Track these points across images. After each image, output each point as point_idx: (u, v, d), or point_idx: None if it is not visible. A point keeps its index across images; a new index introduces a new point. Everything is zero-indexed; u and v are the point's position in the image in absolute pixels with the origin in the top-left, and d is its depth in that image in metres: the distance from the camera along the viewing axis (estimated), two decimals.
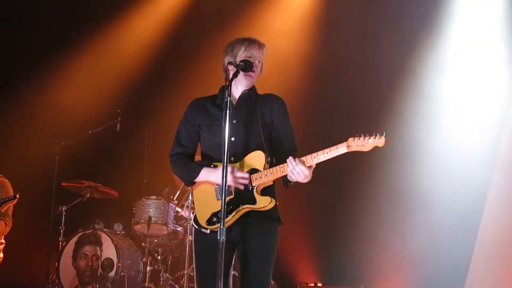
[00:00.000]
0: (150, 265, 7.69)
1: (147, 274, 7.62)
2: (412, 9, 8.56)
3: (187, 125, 4.70)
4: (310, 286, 6.84)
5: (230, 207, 4.48)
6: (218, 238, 4.06)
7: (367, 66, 8.73)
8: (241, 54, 4.63)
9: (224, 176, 4.13)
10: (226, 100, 4.24)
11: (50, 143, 8.07)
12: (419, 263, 8.17)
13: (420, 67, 8.45)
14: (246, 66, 4.49)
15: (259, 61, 4.68)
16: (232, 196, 4.48)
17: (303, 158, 4.38)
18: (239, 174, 4.45)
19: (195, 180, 4.58)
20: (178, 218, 8.03)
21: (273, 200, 4.50)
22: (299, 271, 8.26)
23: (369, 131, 4.36)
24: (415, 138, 8.23)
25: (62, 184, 7.79)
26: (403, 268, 8.25)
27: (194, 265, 4.72)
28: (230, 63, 4.51)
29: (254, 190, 4.48)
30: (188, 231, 7.70)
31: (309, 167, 4.36)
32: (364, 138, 4.35)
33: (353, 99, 8.73)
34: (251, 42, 4.73)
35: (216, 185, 4.54)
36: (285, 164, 4.41)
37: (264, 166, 4.49)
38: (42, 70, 8.76)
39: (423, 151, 8.17)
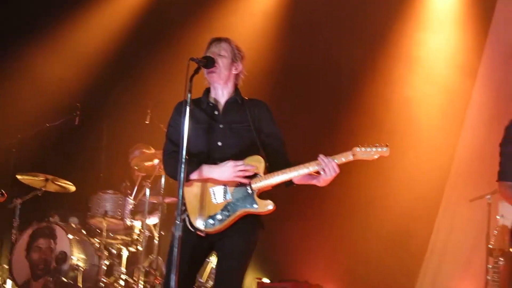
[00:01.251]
0: (105, 259, 7.69)
1: (102, 268, 7.62)
2: (377, 9, 8.70)
3: (175, 128, 4.65)
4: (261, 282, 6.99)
5: (229, 209, 4.52)
6: (175, 234, 4.10)
7: (331, 66, 8.83)
8: (206, 52, 4.67)
9: (182, 176, 4.16)
10: (186, 98, 4.26)
11: (7, 135, 8.04)
12: (373, 262, 8.24)
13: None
14: (208, 63, 4.51)
15: (219, 54, 4.66)
16: (230, 200, 4.52)
17: (328, 158, 4.45)
18: (242, 166, 4.47)
19: (191, 177, 4.53)
20: (134, 213, 7.98)
21: (274, 204, 4.55)
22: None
23: (370, 142, 4.49)
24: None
25: (17, 176, 7.71)
26: (355, 267, 8.31)
27: (167, 260, 4.64)
28: (191, 59, 4.45)
29: (255, 193, 4.51)
30: (144, 227, 7.75)
31: None
32: (370, 148, 4.49)
33: (323, 102, 8.81)
34: (211, 40, 4.76)
35: (213, 187, 4.54)
36: (303, 165, 4.47)
37: (264, 171, 4.55)
38: None
39: (387, 164, 8.07)
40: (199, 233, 4.42)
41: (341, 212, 8.39)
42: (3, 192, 6.21)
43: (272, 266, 8.38)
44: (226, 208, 4.51)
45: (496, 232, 6.57)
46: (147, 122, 7.93)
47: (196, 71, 4.40)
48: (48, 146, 8.61)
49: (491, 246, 6.54)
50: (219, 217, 4.49)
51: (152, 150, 8.06)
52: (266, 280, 6.93)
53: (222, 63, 4.64)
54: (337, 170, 4.44)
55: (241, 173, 4.47)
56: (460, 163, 8.41)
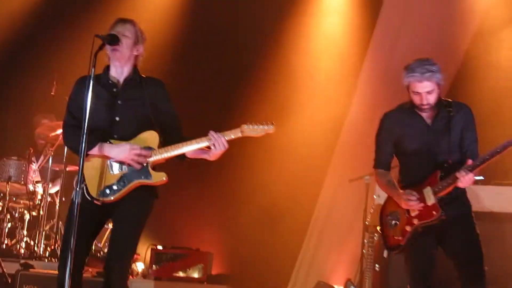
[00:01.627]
0: (8, 221, 7.75)
1: (4, 231, 7.68)
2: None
3: (75, 101, 4.70)
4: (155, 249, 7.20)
5: (125, 181, 4.59)
6: (75, 200, 4.18)
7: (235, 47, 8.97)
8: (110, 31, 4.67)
9: (83, 150, 4.25)
10: (90, 73, 4.32)
11: None
12: (259, 233, 8.38)
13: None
14: (112, 40, 4.55)
15: (123, 35, 4.69)
16: (125, 172, 4.60)
17: (218, 134, 4.57)
18: (138, 151, 4.57)
19: (89, 153, 4.57)
20: (37, 179, 8.07)
21: (166, 176, 4.67)
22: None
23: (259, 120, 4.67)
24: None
25: None
26: (243, 237, 8.45)
27: (65, 227, 4.73)
28: (96, 35, 4.46)
29: (149, 166, 4.61)
30: (46, 192, 7.87)
31: None
32: (257, 125, 4.65)
33: (221, 82, 8.96)
34: (117, 20, 4.78)
35: (110, 160, 4.60)
36: (194, 140, 4.61)
37: (158, 145, 4.66)
38: None
39: (276, 140, 8.13)
40: (96, 202, 4.49)
41: (230, 185, 8.52)
42: None
43: (166, 234, 8.38)
44: (121, 179, 4.59)
45: (372, 210, 6.63)
46: (52, 94, 7.96)
47: (101, 47, 4.44)
48: None
49: (367, 223, 6.65)
50: (114, 187, 4.58)
51: (56, 121, 8.07)
52: (160, 247, 7.21)
53: (126, 43, 4.65)
54: (226, 146, 4.58)
55: (136, 157, 4.57)
56: (343, 145, 8.56)
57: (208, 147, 4.67)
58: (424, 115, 5.12)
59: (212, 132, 4.61)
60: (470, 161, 4.88)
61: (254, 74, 8.77)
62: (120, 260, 4.68)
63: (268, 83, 8.71)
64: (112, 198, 4.61)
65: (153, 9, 8.96)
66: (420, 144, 5.15)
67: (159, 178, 4.67)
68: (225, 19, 8.92)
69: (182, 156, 4.76)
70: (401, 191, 5.10)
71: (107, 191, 4.60)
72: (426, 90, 4.94)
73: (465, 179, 4.84)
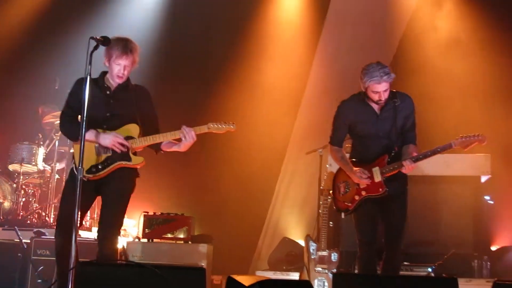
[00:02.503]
0: (22, 197, 7.78)
1: (20, 204, 7.69)
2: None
3: (74, 97, 4.82)
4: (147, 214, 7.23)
5: (109, 162, 4.73)
6: (79, 176, 4.18)
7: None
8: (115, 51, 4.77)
9: (83, 136, 4.29)
10: (87, 69, 4.35)
11: None
12: (234, 199, 8.40)
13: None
14: (105, 41, 4.53)
15: (127, 66, 4.81)
16: (109, 154, 4.73)
17: (188, 128, 4.73)
18: (121, 139, 4.71)
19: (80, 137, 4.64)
20: (46, 160, 8.06)
21: (144, 160, 4.85)
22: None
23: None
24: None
25: None
26: (220, 203, 8.46)
27: (61, 199, 4.87)
28: (91, 38, 4.42)
29: (130, 152, 4.77)
30: (54, 171, 7.86)
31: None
32: (221, 124, 4.85)
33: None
34: (123, 50, 4.80)
35: (97, 144, 4.72)
36: (169, 133, 4.79)
37: (138, 135, 4.83)
38: None
39: (247, 121, 8.30)
40: (83, 178, 4.41)
41: (209, 159, 8.50)
42: None
43: (156, 203, 8.30)
44: (106, 160, 4.74)
45: (325, 177, 6.69)
46: (56, 88, 7.94)
47: (95, 47, 4.42)
48: None
49: (322, 188, 6.68)
50: (99, 166, 4.72)
51: (59, 111, 8.03)
52: (151, 213, 7.24)
53: (128, 72, 4.86)
54: (195, 138, 4.77)
55: (118, 144, 4.69)
56: (300, 125, 8.64)
57: (180, 139, 4.81)
58: (374, 105, 5.24)
59: (184, 126, 4.77)
60: (413, 152, 5.13)
61: (219, 76, 8.74)
62: (109, 229, 4.81)
63: (233, 82, 8.70)
64: (96, 175, 4.72)
65: (140, 22, 8.89)
66: (370, 129, 5.29)
67: (137, 161, 4.85)
68: (195, 29, 8.87)
69: (157, 149, 4.94)
70: (354, 168, 5.26)
71: (93, 169, 4.72)
72: (383, 89, 5.08)
73: (409, 167, 5.09)
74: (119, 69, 4.84)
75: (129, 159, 4.81)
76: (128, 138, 4.82)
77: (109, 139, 4.74)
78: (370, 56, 7.91)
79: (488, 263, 6.84)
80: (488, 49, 7.79)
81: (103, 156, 4.78)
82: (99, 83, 4.88)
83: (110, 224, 4.81)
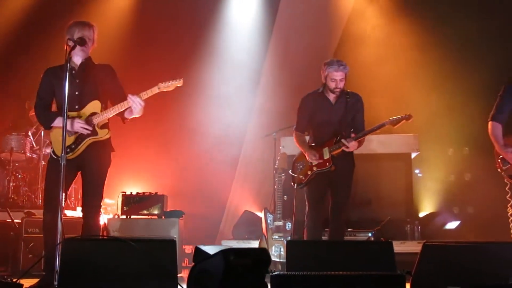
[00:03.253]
0: (13, 182, 7.73)
1: (11, 188, 7.67)
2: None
3: (43, 88, 4.84)
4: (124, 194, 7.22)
5: (79, 140, 4.71)
6: (63, 162, 4.21)
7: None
8: (77, 34, 4.73)
9: (64, 120, 4.28)
10: (66, 64, 4.34)
11: None
12: (198, 183, 8.34)
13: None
14: (81, 42, 4.63)
15: (89, 39, 4.81)
16: (79, 133, 4.71)
17: (140, 94, 4.67)
18: (81, 124, 4.68)
19: (51, 125, 4.76)
20: (33, 148, 8.00)
21: (109, 131, 4.82)
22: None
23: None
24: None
25: None
26: (191, 183, 8.35)
27: (45, 180, 4.86)
28: (69, 39, 4.54)
29: (96, 126, 4.74)
30: (41, 158, 7.75)
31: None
32: (169, 82, 4.75)
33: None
34: (82, 24, 4.83)
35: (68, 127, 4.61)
36: (120, 104, 4.70)
37: (101, 110, 4.78)
38: None
39: (209, 108, 8.36)
40: (59, 159, 4.35)
41: (178, 146, 8.38)
42: None
43: (132, 183, 8.25)
44: (77, 139, 4.72)
45: (279, 157, 6.72)
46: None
47: (73, 48, 4.52)
48: None
49: (276, 167, 6.66)
50: (73, 146, 4.70)
51: None
52: (128, 193, 7.21)
53: (89, 44, 4.82)
54: (142, 103, 4.68)
55: (81, 128, 4.66)
56: (256, 112, 8.60)
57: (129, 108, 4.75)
58: (330, 98, 5.52)
59: (129, 95, 4.69)
60: (353, 134, 5.38)
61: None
62: (92, 201, 4.80)
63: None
64: (73, 155, 4.69)
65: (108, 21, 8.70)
66: (325, 116, 5.56)
67: (103, 133, 4.83)
68: (161, 24, 8.73)
69: (123, 118, 4.89)
70: (310, 150, 5.50)
71: (67, 150, 4.61)
72: (340, 78, 5.38)
73: (350, 145, 5.32)
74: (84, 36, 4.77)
75: (96, 133, 4.79)
76: (92, 114, 4.79)
77: (75, 125, 4.69)
78: (313, 54, 8.06)
79: (419, 227, 6.99)
80: (415, 49, 7.92)
81: (73, 137, 4.74)
82: (64, 67, 4.67)
83: (92, 197, 4.82)
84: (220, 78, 8.57)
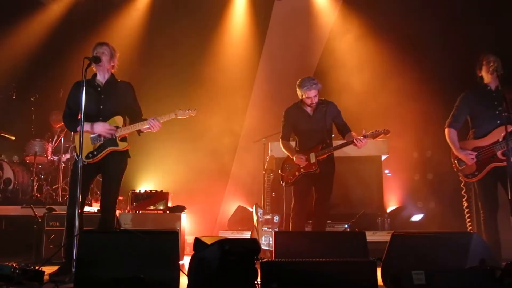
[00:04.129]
0: (36, 182, 7.66)
1: (35, 187, 7.60)
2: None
3: (71, 98, 4.82)
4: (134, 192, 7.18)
5: (101, 148, 4.74)
6: (80, 164, 4.28)
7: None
8: (92, 53, 4.79)
9: (81, 132, 4.32)
10: (83, 80, 4.34)
11: None
12: (198, 182, 8.16)
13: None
14: (95, 60, 4.61)
15: (102, 54, 4.78)
16: (102, 142, 4.75)
17: (159, 117, 4.75)
18: (109, 127, 4.74)
19: (78, 130, 4.62)
20: (54, 152, 7.95)
21: (128, 145, 4.86)
22: None
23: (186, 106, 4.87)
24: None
25: None
26: (189, 180, 8.14)
27: (69, 180, 4.92)
28: (85, 57, 4.48)
29: (117, 138, 4.79)
30: (61, 161, 7.70)
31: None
32: (185, 111, 4.85)
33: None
34: (97, 44, 4.87)
35: (92, 135, 4.73)
36: (140, 123, 4.77)
37: (123, 124, 4.83)
38: None
39: (209, 119, 8.13)
40: (84, 162, 4.51)
41: (180, 150, 8.20)
42: None
43: (141, 182, 8.20)
44: (99, 147, 4.76)
45: (268, 160, 6.79)
46: (61, 96, 7.69)
47: (89, 65, 4.50)
48: None
49: (265, 168, 6.69)
50: (95, 152, 4.74)
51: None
52: (137, 191, 7.19)
53: (105, 59, 4.80)
54: (160, 126, 4.76)
55: (107, 131, 4.71)
56: (249, 120, 8.54)
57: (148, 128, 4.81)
58: (308, 109, 5.54)
59: (150, 119, 4.76)
60: (353, 133, 5.38)
61: (187, 77, 8.51)
62: (110, 200, 4.80)
63: (197, 81, 8.46)
64: (93, 159, 4.73)
65: (121, 39, 8.58)
66: (307, 127, 5.58)
67: (123, 145, 4.87)
68: (168, 39, 8.61)
69: (138, 132, 4.90)
70: (296, 155, 5.51)
71: (90, 155, 4.75)
72: (313, 95, 5.40)
73: (360, 144, 5.28)
74: (98, 53, 4.78)
75: (117, 145, 4.81)
76: (115, 127, 4.82)
77: (100, 128, 4.75)
78: (298, 68, 8.03)
79: (388, 219, 7.01)
80: (385, 66, 7.89)
81: (97, 144, 4.77)
82: (91, 83, 4.83)
83: (109, 197, 4.81)
84: (218, 89, 8.48)
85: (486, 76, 4.87)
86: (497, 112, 4.76)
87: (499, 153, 4.72)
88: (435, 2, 7.66)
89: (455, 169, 5.15)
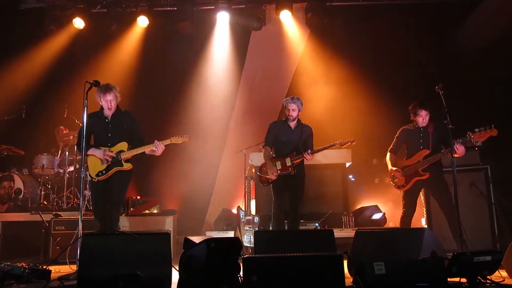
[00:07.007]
0: (44, 191, 7.56)
1: (42, 196, 7.49)
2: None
3: (88, 126, 4.69)
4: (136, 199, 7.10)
5: (108, 168, 4.82)
6: (81, 175, 4.46)
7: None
8: (99, 98, 4.85)
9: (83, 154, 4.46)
10: (84, 102, 4.37)
11: None
12: (187, 188, 8.08)
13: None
14: (96, 83, 4.55)
15: (112, 100, 4.82)
16: (109, 163, 4.81)
17: (159, 142, 4.78)
18: (107, 153, 4.81)
19: (88, 153, 4.83)
20: (60, 165, 7.78)
21: (132, 165, 4.92)
22: None
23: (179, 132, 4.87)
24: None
25: None
26: (187, 193, 8.10)
27: (91, 197, 5.23)
28: (86, 81, 4.43)
29: (122, 160, 4.86)
30: (66, 172, 7.52)
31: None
32: (179, 137, 4.87)
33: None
34: (104, 89, 4.81)
35: (99, 157, 4.83)
36: (146, 146, 4.79)
37: (127, 149, 4.90)
38: None
39: (199, 137, 8.01)
40: (93, 180, 4.84)
41: (171, 163, 7.96)
42: None
43: (137, 190, 7.82)
44: (107, 167, 4.83)
45: (248, 167, 6.71)
46: (65, 116, 7.65)
47: (90, 88, 4.43)
48: (6, 128, 7.75)
49: (246, 175, 6.61)
50: (103, 171, 4.82)
51: (68, 131, 7.88)
52: (134, 198, 7.06)
53: (113, 104, 4.85)
54: (163, 148, 4.82)
55: (106, 157, 4.76)
56: (232, 133, 8.40)
57: (153, 150, 4.84)
58: (291, 125, 5.69)
59: (156, 141, 4.81)
60: (309, 150, 5.50)
61: (177, 100, 8.43)
62: (114, 212, 4.82)
63: (186, 105, 8.40)
64: (102, 177, 4.81)
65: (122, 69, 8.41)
66: (287, 138, 5.69)
67: (128, 166, 4.92)
68: (161, 68, 8.50)
69: (143, 154, 4.92)
70: (271, 167, 5.59)
71: (99, 174, 4.85)
72: (292, 108, 5.57)
73: (308, 157, 5.49)
74: (107, 104, 4.85)
75: (122, 165, 4.88)
76: (120, 151, 4.88)
77: (102, 154, 4.83)
78: (274, 86, 8.05)
79: (352, 218, 7.03)
80: (351, 83, 7.93)
81: (105, 165, 4.86)
82: (100, 115, 4.92)
83: (115, 208, 4.85)
84: (204, 106, 8.42)
85: (418, 121, 5.58)
86: (421, 141, 5.52)
87: (420, 170, 5.43)
88: (389, 30, 7.74)
89: (391, 183, 5.66)
